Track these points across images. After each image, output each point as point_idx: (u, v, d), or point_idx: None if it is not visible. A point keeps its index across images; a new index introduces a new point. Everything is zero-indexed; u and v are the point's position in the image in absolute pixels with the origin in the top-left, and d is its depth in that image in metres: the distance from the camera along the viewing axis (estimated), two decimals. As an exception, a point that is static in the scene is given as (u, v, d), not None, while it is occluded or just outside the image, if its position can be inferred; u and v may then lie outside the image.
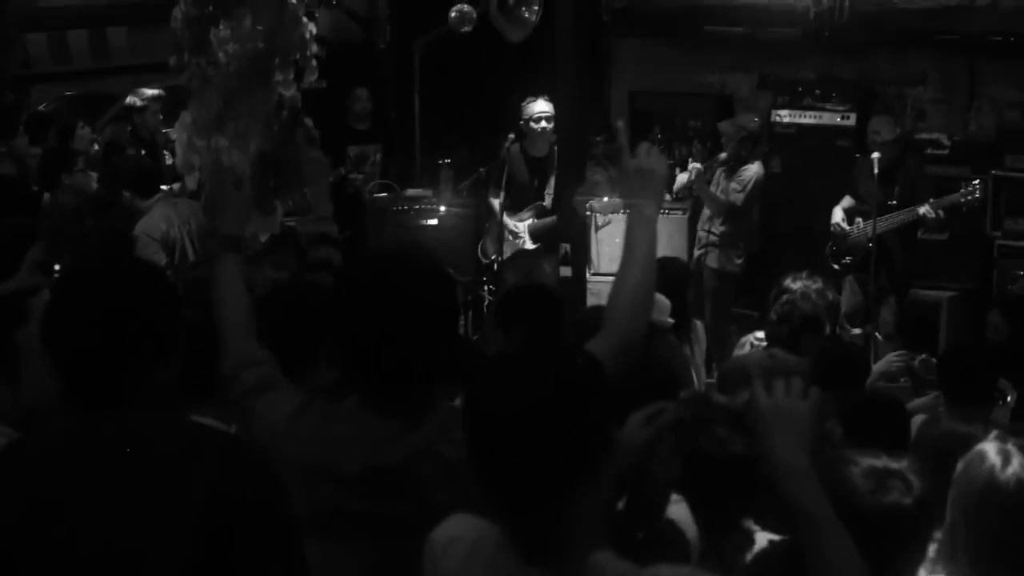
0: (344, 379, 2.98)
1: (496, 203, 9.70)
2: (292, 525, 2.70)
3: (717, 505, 3.19)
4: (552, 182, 9.49)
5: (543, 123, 9.39)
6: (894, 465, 2.89)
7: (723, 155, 9.60)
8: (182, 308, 2.85)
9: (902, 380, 6.32)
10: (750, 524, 3.20)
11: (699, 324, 8.69)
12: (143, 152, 9.29)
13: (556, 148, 9.44)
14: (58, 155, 9.11)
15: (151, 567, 2.56)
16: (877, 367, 6.81)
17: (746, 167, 9.47)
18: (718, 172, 9.61)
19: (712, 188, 9.52)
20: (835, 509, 2.48)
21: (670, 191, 9.32)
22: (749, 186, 9.42)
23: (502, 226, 9.62)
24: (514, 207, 9.56)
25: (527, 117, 9.44)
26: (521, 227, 9.55)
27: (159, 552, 2.55)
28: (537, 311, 5.15)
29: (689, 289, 8.12)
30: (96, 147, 9.54)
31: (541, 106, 9.42)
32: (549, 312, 5.20)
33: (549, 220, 9.44)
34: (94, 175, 8.77)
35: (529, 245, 9.55)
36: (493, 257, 9.70)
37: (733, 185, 9.44)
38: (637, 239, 3.20)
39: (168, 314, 2.74)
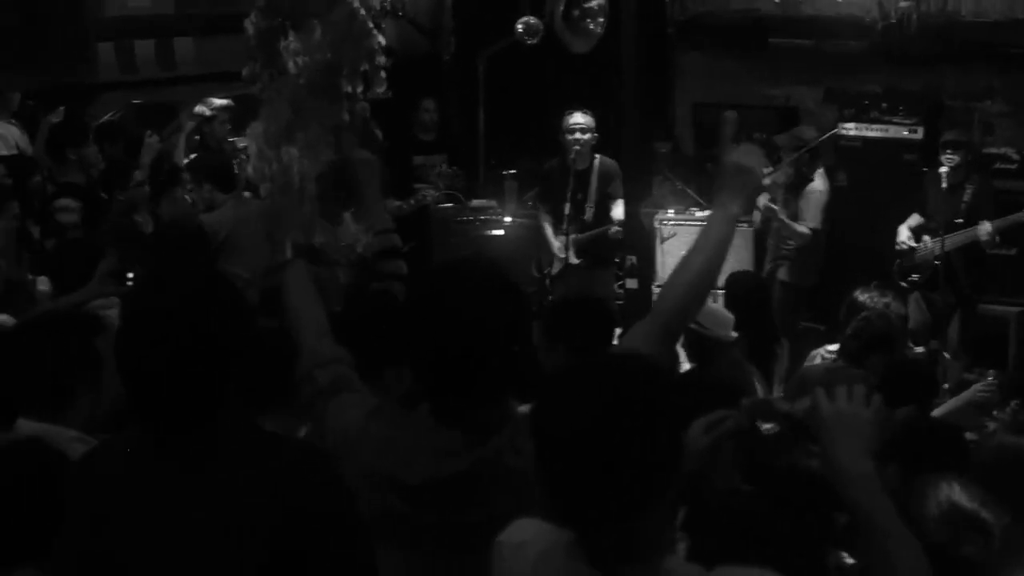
0: (416, 388, 2.97)
1: (544, 218, 9.71)
2: (363, 538, 2.70)
3: (812, 518, 3.15)
4: (592, 195, 9.46)
5: (577, 134, 9.29)
6: (983, 515, 2.84)
7: (781, 177, 9.50)
8: (254, 321, 2.85)
9: (995, 413, 6.20)
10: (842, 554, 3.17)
11: (785, 341, 8.63)
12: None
13: (597, 161, 9.42)
14: (116, 169, 9.20)
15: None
16: (963, 396, 6.72)
17: (811, 187, 9.36)
18: (780, 192, 9.51)
19: (777, 209, 9.44)
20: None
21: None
22: (822, 207, 9.33)
23: (549, 241, 9.63)
24: (558, 222, 9.51)
25: (563, 129, 9.40)
26: (562, 242, 9.49)
27: (232, 567, 2.56)
28: (584, 324, 5.07)
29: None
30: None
31: (576, 118, 9.34)
32: (597, 324, 5.12)
33: (592, 233, 9.40)
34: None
35: (574, 260, 9.50)
36: (545, 271, 9.68)
37: (806, 209, 9.33)
38: (712, 232, 3.20)
39: (240, 332, 2.71)
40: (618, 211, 9.19)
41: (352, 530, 2.68)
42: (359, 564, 2.68)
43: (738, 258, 9.06)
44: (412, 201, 9.85)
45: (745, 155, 3.27)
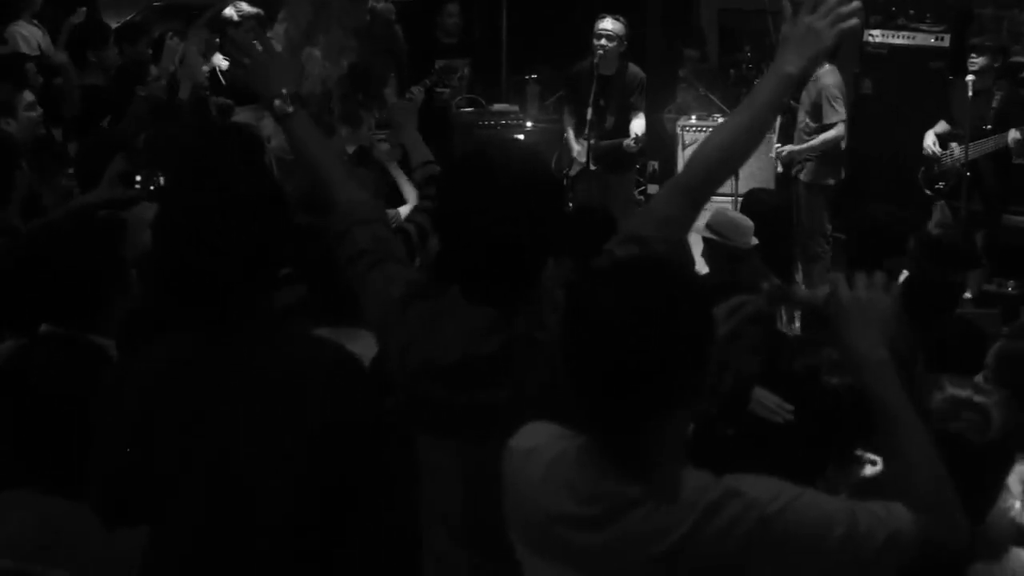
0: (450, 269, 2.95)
1: (569, 121, 9.65)
2: (387, 442, 2.74)
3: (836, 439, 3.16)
4: (615, 103, 9.37)
5: (603, 40, 9.17)
6: (978, 398, 2.83)
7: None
8: (291, 221, 2.83)
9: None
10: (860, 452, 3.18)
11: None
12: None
13: (625, 68, 9.33)
14: (131, 68, 9.13)
15: (262, 478, 2.62)
16: None
17: (823, 83, 9.17)
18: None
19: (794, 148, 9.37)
20: None
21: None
22: (840, 101, 9.22)
23: (570, 144, 9.58)
24: (580, 126, 9.44)
25: (594, 34, 9.29)
26: (583, 146, 9.43)
27: (268, 465, 2.63)
28: (589, 234, 5.04)
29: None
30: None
31: (604, 24, 9.22)
32: (602, 234, 5.12)
33: (609, 143, 9.30)
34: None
35: (592, 166, 9.37)
36: (564, 171, 9.61)
37: (826, 107, 9.23)
38: (761, 93, 3.02)
39: (279, 227, 2.73)
40: (637, 124, 9.12)
41: (381, 436, 2.72)
42: (382, 468, 2.73)
43: (759, 162, 9.03)
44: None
45: (820, 19, 2.98)
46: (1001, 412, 2.84)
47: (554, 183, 2.92)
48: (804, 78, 3.11)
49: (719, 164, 3.00)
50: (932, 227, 8.88)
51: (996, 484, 2.87)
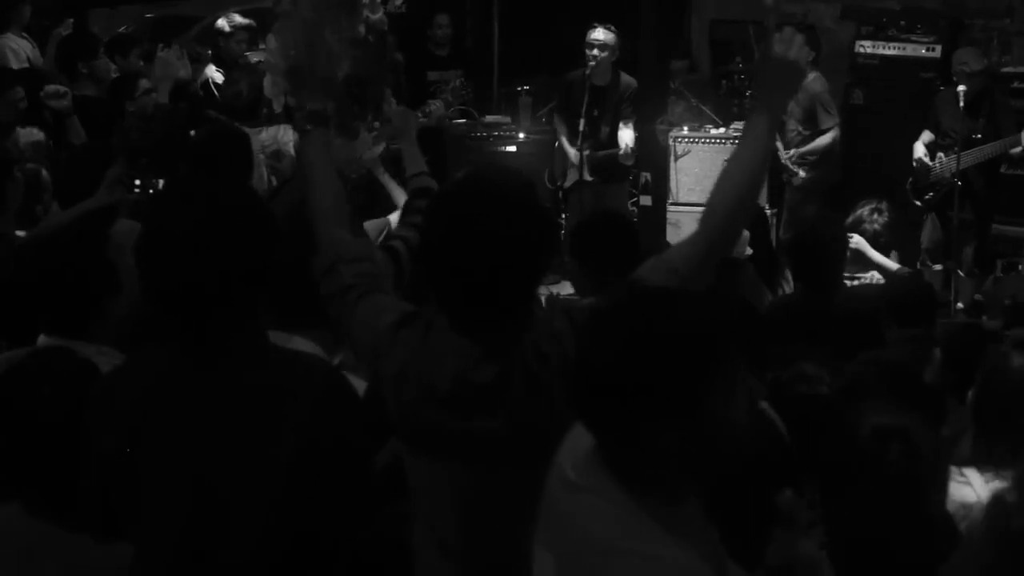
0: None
1: (561, 129, 9.66)
2: (365, 461, 2.74)
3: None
4: (608, 113, 9.37)
5: (595, 51, 9.17)
6: (898, 423, 2.85)
7: None
8: (277, 241, 2.82)
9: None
10: None
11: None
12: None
13: (617, 78, 9.33)
14: (123, 81, 9.11)
15: (243, 496, 2.60)
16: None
17: (812, 89, 9.17)
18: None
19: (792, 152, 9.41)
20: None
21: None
22: (829, 104, 9.28)
23: (566, 150, 9.57)
24: (573, 136, 9.45)
25: (585, 44, 9.29)
26: (575, 156, 9.43)
27: (251, 484, 2.60)
28: (608, 244, 5.06)
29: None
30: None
31: (595, 34, 9.22)
32: (622, 243, 5.12)
33: (605, 153, 9.29)
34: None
35: (587, 176, 9.38)
36: (559, 184, 9.64)
37: (819, 111, 9.27)
38: (751, 135, 3.01)
39: (264, 244, 2.69)
40: (625, 135, 9.09)
41: (364, 459, 2.72)
42: (370, 484, 2.73)
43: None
44: (419, 115, 9.72)
45: (786, 43, 2.98)
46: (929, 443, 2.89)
47: (545, 212, 2.91)
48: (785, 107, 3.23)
49: (731, 220, 2.98)
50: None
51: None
